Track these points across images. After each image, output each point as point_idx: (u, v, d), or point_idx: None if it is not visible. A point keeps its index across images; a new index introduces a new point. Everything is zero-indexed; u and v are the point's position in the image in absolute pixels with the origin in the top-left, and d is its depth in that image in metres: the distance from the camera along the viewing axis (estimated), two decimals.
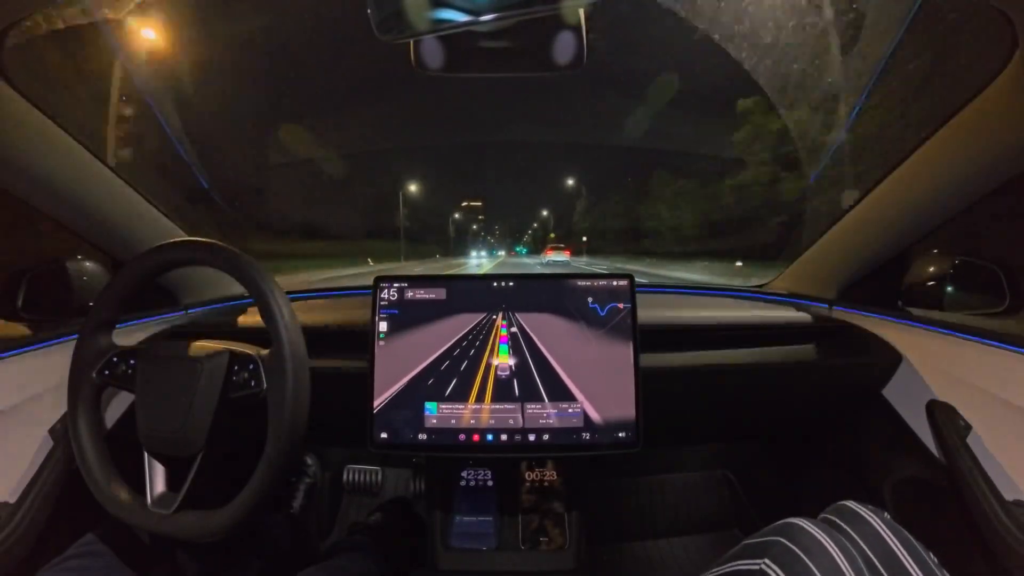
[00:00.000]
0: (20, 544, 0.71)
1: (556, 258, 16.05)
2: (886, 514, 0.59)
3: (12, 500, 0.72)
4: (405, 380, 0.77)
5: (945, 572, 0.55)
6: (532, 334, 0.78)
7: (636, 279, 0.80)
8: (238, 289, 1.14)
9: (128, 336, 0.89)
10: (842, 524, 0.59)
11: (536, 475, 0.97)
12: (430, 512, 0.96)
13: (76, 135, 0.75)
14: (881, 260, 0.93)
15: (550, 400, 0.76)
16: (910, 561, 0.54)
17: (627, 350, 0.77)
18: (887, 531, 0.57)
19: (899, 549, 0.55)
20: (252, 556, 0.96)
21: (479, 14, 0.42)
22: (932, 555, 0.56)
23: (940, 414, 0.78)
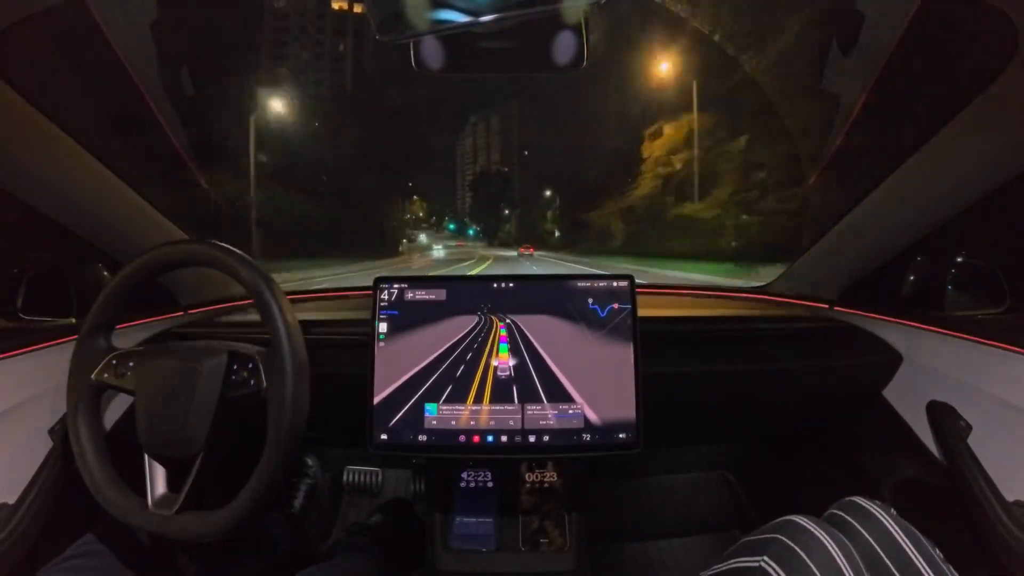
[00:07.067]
0: (20, 544, 0.71)
1: (526, 252, 25.59)
2: (893, 510, 0.59)
3: (12, 500, 0.72)
4: (405, 381, 0.77)
5: (951, 567, 0.55)
6: (531, 335, 0.78)
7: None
8: (238, 289, 1.13)
9: (127, 338, 0.89)
10: (849, 519, 0.59)
11: (536, 476, 0.96)
12: (430, 513, 0.96)
13: (76, 135, 0.75)
14: (881, 260, 0.93)
15: (550, 401, 0.76)
16: (917, 556, 0.54)
17: (627, 351, 0.77)
18: (895, 526, 0.57)
19: (907, 544, 0.55)
20: (252, 556, 0.97)
21: (479, 14, 0.42)
22: (938, 551, 0.56)
23: (940, 414, 0.78)
